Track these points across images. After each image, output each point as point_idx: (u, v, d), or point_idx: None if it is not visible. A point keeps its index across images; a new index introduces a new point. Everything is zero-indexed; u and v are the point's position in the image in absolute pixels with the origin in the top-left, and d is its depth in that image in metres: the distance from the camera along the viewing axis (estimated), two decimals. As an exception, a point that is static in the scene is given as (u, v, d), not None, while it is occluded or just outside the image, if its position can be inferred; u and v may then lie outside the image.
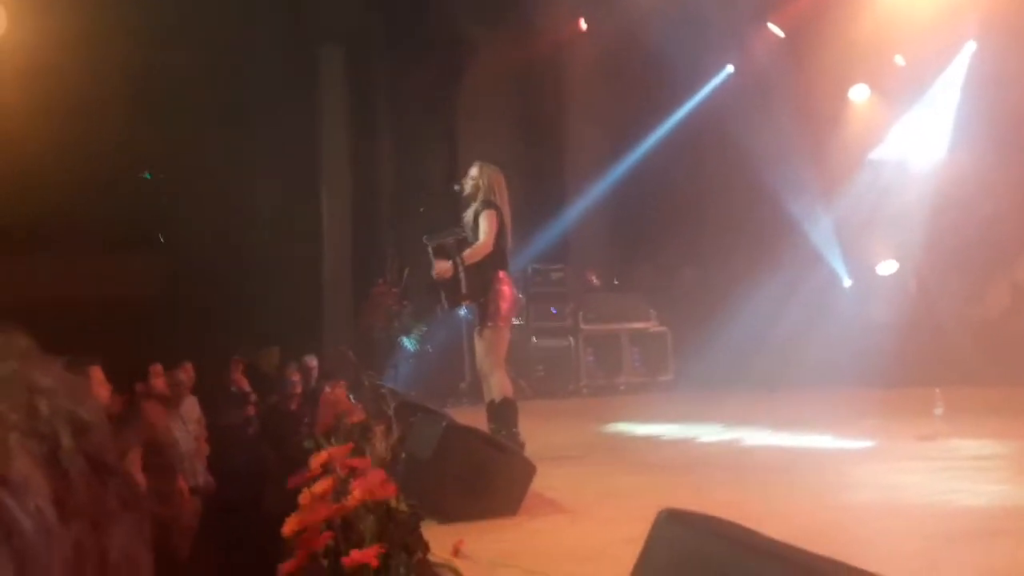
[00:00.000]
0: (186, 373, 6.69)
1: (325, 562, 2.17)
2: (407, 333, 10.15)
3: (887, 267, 10.21)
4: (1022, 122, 8.59)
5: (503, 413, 5.19)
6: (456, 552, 2.80)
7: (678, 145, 11.08)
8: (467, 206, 5.52)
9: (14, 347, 0.36)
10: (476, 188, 5.47)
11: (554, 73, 11.64)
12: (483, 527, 3.55)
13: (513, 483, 3.89)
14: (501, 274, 5.31)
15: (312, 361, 8.96)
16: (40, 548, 0.31)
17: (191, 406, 6.27)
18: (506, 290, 5.31)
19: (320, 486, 2.40)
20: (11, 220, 9.53)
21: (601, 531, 3.45)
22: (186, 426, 5.85)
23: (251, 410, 7.89)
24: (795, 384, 8.43)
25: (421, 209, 10.19)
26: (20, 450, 0.32)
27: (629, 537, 2.06)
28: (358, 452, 3.53)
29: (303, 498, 2.37)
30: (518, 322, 8.92)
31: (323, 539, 2.16)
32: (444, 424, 4.00)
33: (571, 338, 10.52)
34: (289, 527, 2.27)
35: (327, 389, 6.04)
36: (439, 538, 2.93)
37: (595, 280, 11.07)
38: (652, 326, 10.67)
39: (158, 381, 5.96)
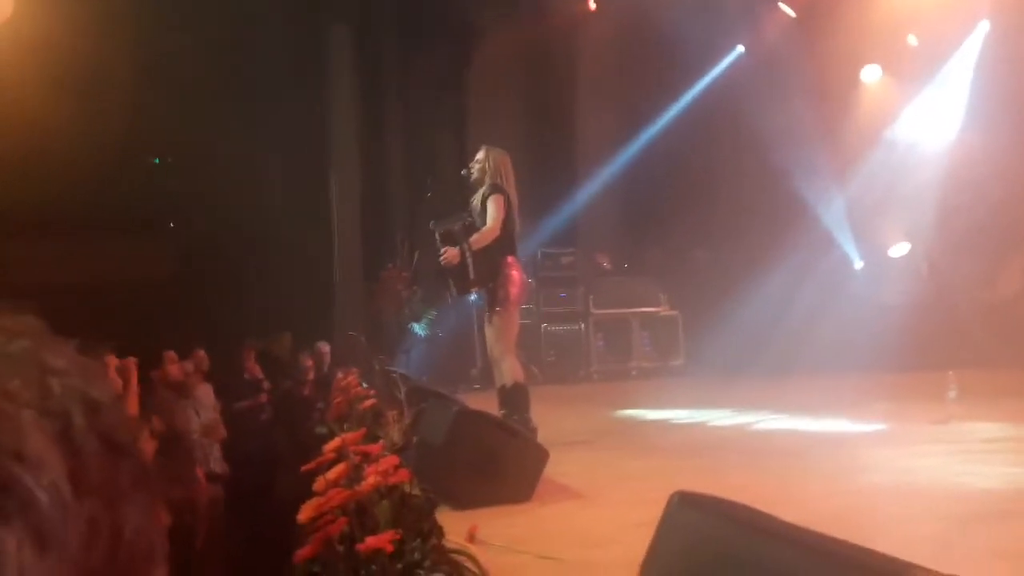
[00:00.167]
0: (199, 360, 6.72)
1: (340, 548, 2.19)
2: (417, 318, 10.17)
3: (899, 249, 10.15)
4: (1036, 103, 8.49)
5: (514, 398, 5.19)
6: (471, 538, 2.81)
7: (689, 127, 11.01)
8: (475, 191, 5.50)
9: (26, 327, 0.36)
10: (483, 172, 5.45)
11: (564, 54, 11.56)
12: (496, 512, 3.56)
13: (525, 468, 3.90)
14: (510, 259, 5.30)
15: (324, 347, 8.99)
16: (56, 522, 0.32)
17: (205, 393, 6.31)
18: (515, 275, 5.30)
19: (334, 472, 2.41)
20: (21, 203, 9.57)
21: (614, 516, 3.46)
22: (200, 413, 5.89)
23: (264, 397, 7.93)
24: (807, 367, 8.40)
25: (428, 194, 10.17)
26: (34, 427, 0.32)
27: (641, 521, 2.06)
28: (371, 438, 3.54)
29: (317, 484, 2.39)
30: (528, 307, 8.92)
31: (338, 525, 2.17)
32: (456, 409, 4.01)
33: (581, 323, 10.51)
34: (304, 513, 2.28)
35: (339, 375, 6.07)
36: (452, 523, 2.95)
37: (606, 263, 11.03)
38: (663, 310, 10.64)
39: (172, 368, 6.00)
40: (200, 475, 4.63)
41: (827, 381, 7.75)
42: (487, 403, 5.02)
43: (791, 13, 10.86)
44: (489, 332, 5.38)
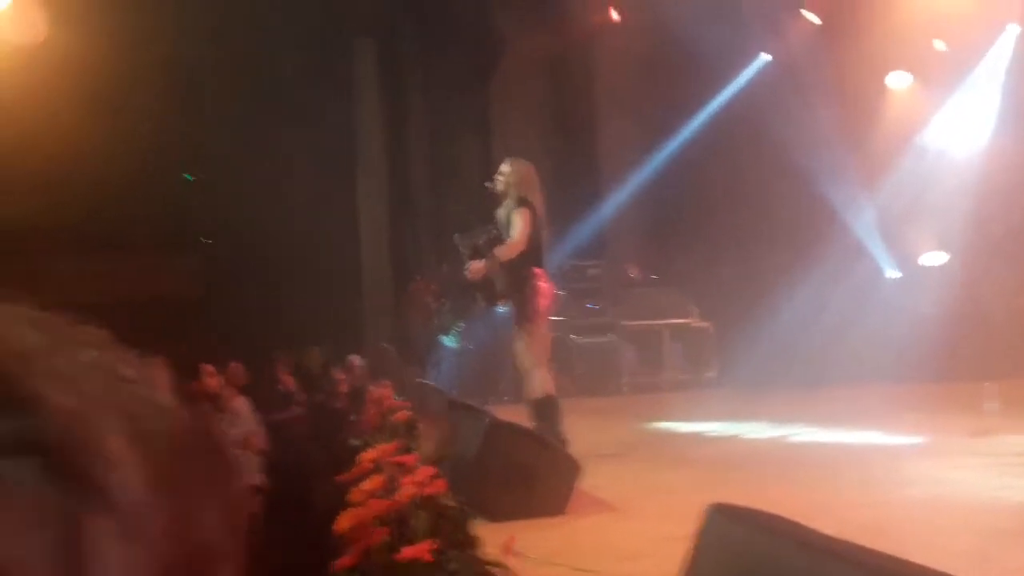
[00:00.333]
0: (234, 373, 6.81)
1: (379, 558, 2.22)
2: (446, 331, 10.21)
3: (932, 258, 10.01)
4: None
5: (546, 410, 5.20)
6: (507, 549, 2.83)
7: (715, 135, 10.96)
8: (500, 203, 5.53)
9: (95, 338, 0.39)
10: (508, 185, 5.48)
11: (587, 64, 11.59)
12: (530, 525, 3.57)
13: (558, 481, 3.91)
14: (536, 271, 5.32)
15: (356, 360, 9.06)
16: (139, 517, 0.34)
17: (242, 405, 6.39)
18: (542, 286, 5.32)
19: (371, 482, 2.44)
20: (56, 222, 9.78)
21: (648, 529, 3.45)
22: (237, 425, 5.97)
23: (298, 409, 8.02)
24: (841, 378, 8.31)
25: (456, 207, 10.25)
26: (113, 430, 0.35)
27: (676, 534, 2.07)
28: (405, 450, 3.58)
29: (355, 494, 2.42)
30: (557, 318, 8.92)
31: (378, 535, 2.21)
32: (488, 421, 4.03)
33: (611, 335, 10.48)
34: (343, 523, 2.32)
35: (372, 388, 6.12)
36: (486, 535, 2.97)
37: (634, 273, 10.98)
38: (694, 321, 10.57)
39: (211, 380, 6.09)
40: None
41: (861, 392, 7.66)
42: (517, 415, 5.03)
43: (816, 20, 10.81)
44: (518, 344, 5.40)
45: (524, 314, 5.28)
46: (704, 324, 10.54)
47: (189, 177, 12.50)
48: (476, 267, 5.23)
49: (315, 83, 11.33)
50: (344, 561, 2.24)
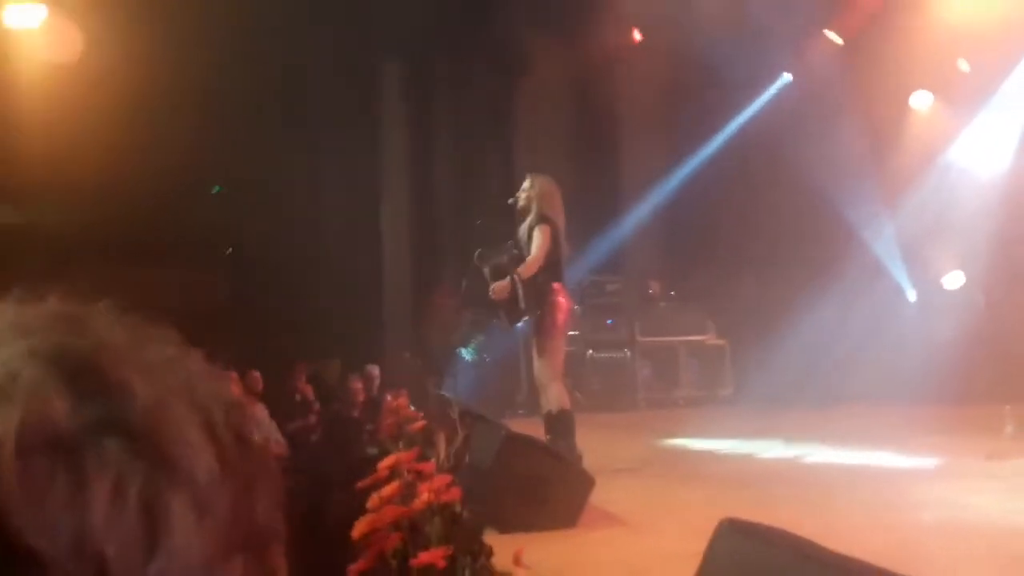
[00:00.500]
0: (253, 381, 6.88)
1: (394, 563, 2.25)
2: (465, 343, 10.26)
3: (952, 279, 9.95)
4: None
5: (560, 424, 5.23)
6: (517, 561, 2.85)
7: (735, 154, 10.98)
8: (522, 219, 5.59)
9: (168, 337, 0.45)
10: (530, 201, 5.53)
11: (610, 84, 11.66)
12: (542, 537, 3.59)
13: (571, 494, 3.93)
14: (556, 286, 5.37)
15: (374, 370, 9.12)
16: (210, 496, 0.39)
17: (260, 413, 6.46)
18: (561, 301, 5.37)
19: (388, 489, 2.49)
20: (82, 232, 9.95)
21: (659, 545, 3.46)
22: (257, 432, 6.02)
23: (313, 418, 8.08)
24: (857, 398, 8.26)
25: (478, 222, 10.29)
26: (188, 419, 0.40)
27: (687, 551, 2.09)
28: (421, 458, 3.61)
29: (372, 501, 2.46)
30: (574, 333, 8.94)
31: (392, 540, 2.24)
32: (504, 433, 4.06)
33: (627, 350, 10.49)
34: (359, 529, 2.35)
35: (389, 397, 6.16)
36: (498, 547, 2.99)
37: (655, 289, 10.98)
38: (710, 339, 10.56)
39: (233, 388, 6.14)
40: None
41: (877, 413, 7.62)
42: (532, 429, 5.06)
43: (838, 40, 10.82)
44: (536, 358, 5.44)
45: (542, 328, 5.32)
46: (720, 342, 10.52)
47: (217, 189, 12.67)
48: (500, 287, 5.28)
49: (342, 101, 11.48)
50: (358, 566, 2.28)
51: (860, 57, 9.95)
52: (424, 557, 2.16)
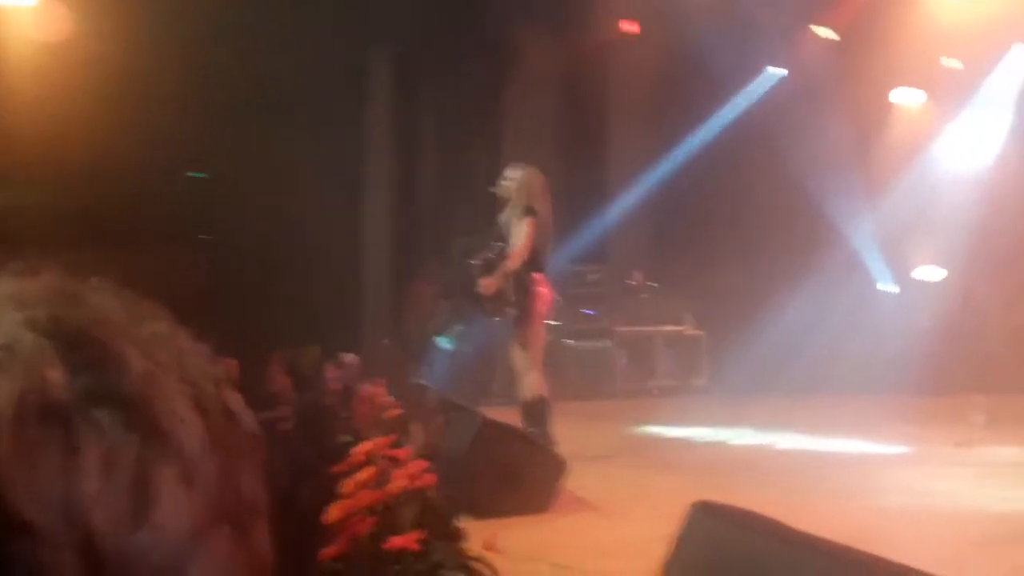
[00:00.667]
0: (230, 368, 6.84)
1: (367, 547, 2.26)
2: (444, 332, 10.26)
3: (929, 273, 10.08)
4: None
5: (536, 412, 5.25)
6: (489, 545, 2.87)
7: (722, 147, 11.01)
8: (504, 207, 5.59)
9: (158, 313, 0.45)
10: (514, 191, 5.53)
11: (599, 75, 11.65)
12: (515, 522, 3.62)
13: (545, 480, 3.96)
14: (537, 276, 5.39)
15: (350, 358, 9.08)
16: (198, 467, 0.39)
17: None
18: (542, 291, 5.39)
19: (362, 474, 2.49)
20: (62, 214, 9.83)
21: (631, 529, 3.50)
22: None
23: (287, 408, 8.03)
24: (832, 389, 8.37)
25: (462, 214, 10.30)
26: (179, 392, 0.40)
27: (659, 535, 2.12)
28: (397, 445, 3.61)
29: (346, 486, 2.46)
30: (552, 323, 8.97)
31: (366, 524, 2.25)
32: (480, 420, 4.08)
33: (605, 340, 10.54)
34: (333, 514, 2.36)
35: (365, 385, 6.15)
36: (472, 532, 3.01)
37: (639, 279, 11.03)
38: (687, 329, 10.64)
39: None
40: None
41: (851, 402, 7.72)
42: (509, 417, 5.08)
43: (828, 35, 10.87)
44: (514, 347, 5.45)
45: (522, 318, 5.34)
46: (698, 332, 10.60)
47: (197, 175, 12.54)
48: (490, 282, 5.28)
49: (326, 86, 11.38)
50: (331, 550, 2.28)
51: (848, 52, 10.02)
52: (397, 541, 2.17)
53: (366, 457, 2.76)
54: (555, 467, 4.01)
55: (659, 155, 11.56)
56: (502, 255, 5.37)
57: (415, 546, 2.14)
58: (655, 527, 2.76)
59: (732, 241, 10.82)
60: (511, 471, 3.85)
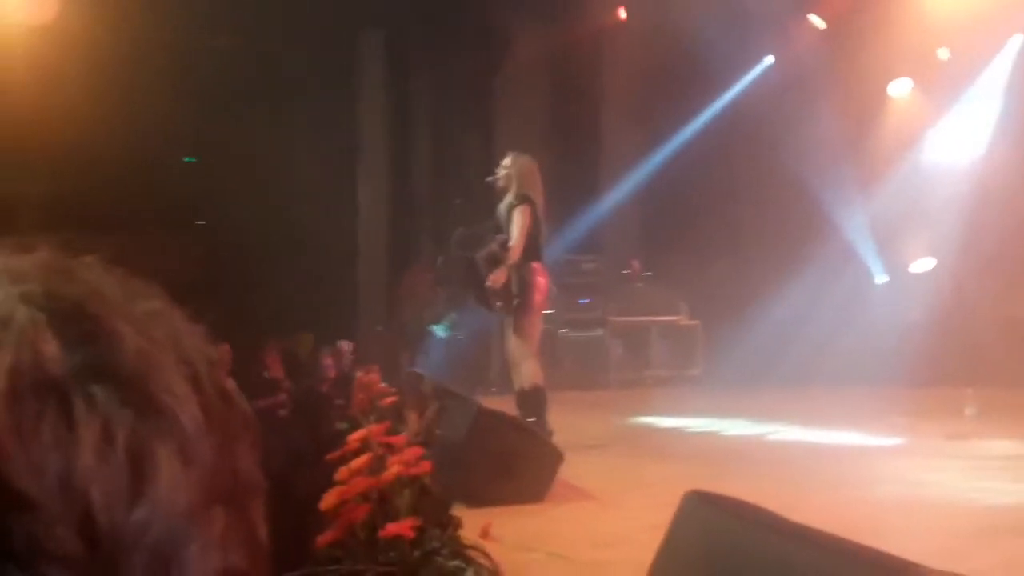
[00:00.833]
0: (223, 354, 6.83)
1: (362, 534, 2.26)
2: (439, 320, 10.26)
3: (922, 264, 10.10)
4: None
5: (533, 401, 5.26)
6: (484, 534, 2.88)
7: (715, 136, 11.01)
8: (501, 197, 5.58)
9: (153, 292, 0.45)
10: (509, 180, 5.53)
11: (592, 62, 11.62)
12: (510, 511, 3.63)
13: (541, 469, 3.97)
14: (535, 265, 5.39)
15: (345, 345, 9.09)
16: (196, 444, 0.39)
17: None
18: (540, 280, 5.39)
19: (357, 461, 2.49)
20: (52, 199, 9.78)
21: (626, 519, 3.51)
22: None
23: (283, 395, 8.04)
24: (825, 380, 8.40)
25: (457, 202, 10.26)
26: (175, 370, 0.40)
27: (654, 525, 2.12)
28: (392, 432, 3.62)
29: (341, 473, 2.47)
30: (547, 312, 8.97)
31: (361, 511, 2.25)
32: (476, 409, 4.08)
33: (600, 330, 10.55)
34: (327, 500, 2.36)
35: (361, 373, 6.16)
36: (467, 520, 3.01)
37: (636, 268, 11.02)
38: (682, 319, 10.65)
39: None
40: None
41: (844, 394, 7.75)
42: (504, 406, 5.08)
43: (821, 25, 10.84)
44: (511, 335, 5.45)
45: (520, 307, 5.34)
46: (692, 322, 10.61)
47: (189, 159, 12.47)
48: (498, 275, 5.27)
49: (319, 71, 11.33)
50: (326, 537, 2.29)
51: (842, 42, 9.99)
52: (392, 528, 2.17)
53: (361, 444, 2.76)
54: (551, 457, 4.02)
55: (652, 144, 11.55)
56: (505, 247, 5.36)
57: (410, 533, 2.15)
58: (649, 516, 2.77)
59: (724, 230, 10.83)
60: (507, 460, 3.85)
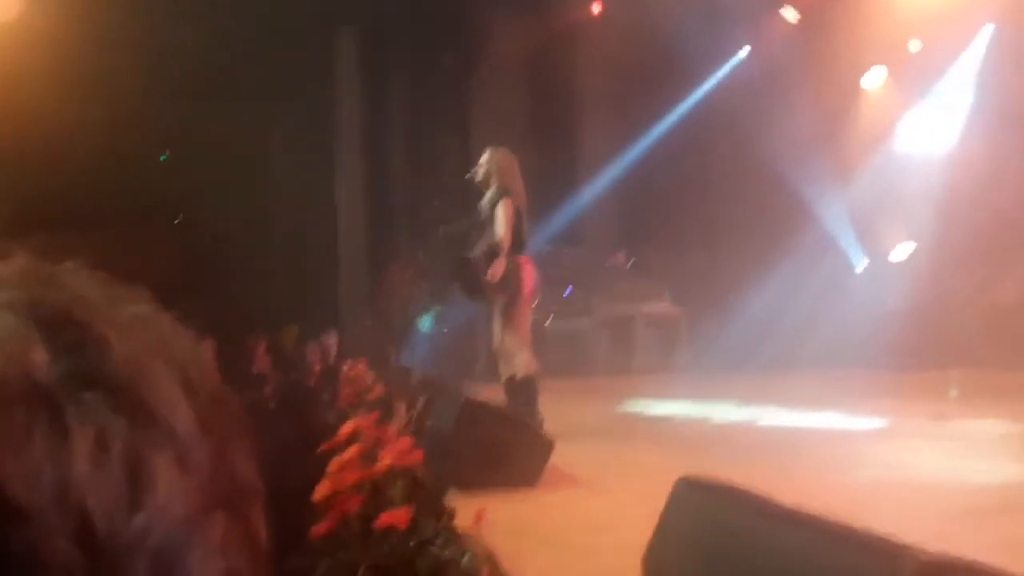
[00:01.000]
0: (208, 351, 6.79)
1: (356, 525, 2.26)
2: (423, 314, 10.25)
3: (900, 251, 10.20)
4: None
5: (525, 389, 5.27)
6: (478, 520, 2.88)
7: (692, 128, 11.07)
8: (482, 193, 5.58)
9: (140, 296, 0.44)
10: (488, 175, 5.53)
11: (568, 58, 11.62)
12: (502, 498, 3.63)
13: (531, 457, 3.98)
14: (521, 257, 5.39)
15: (330, 339, 9.06)
16: (191, 452, 0.38)
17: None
18: (528, 271, 5.40)
19: (349, 453, 2.48)
20: (31, 201, 9.64)
21: (617, 504, 3.53)
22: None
23: (269, 389, 8.01)
24: (809, 365, 8.47)
25: (435, 203, 10.26)
26: (167, 376, 0.39)
27: (645, 510, 2.14)
28: (381, 425, 3.61)
29: (332, 465, 2.46)
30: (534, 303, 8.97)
31: (355, 502, 2.25)
32: (463, 399, 4.09)
33: (585, 320, 10.58)
34: (320, 492, 2.35)
35: (347, 366, 6.14)
36: (460, 506, 3.02)
37: (621, 259, 11.07)
38: (667, 308, 10.70)
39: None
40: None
41: (828, 378, 7.83)
42: (491, 397, 5.09)
43: (794, 17, 10.90)
44: (499, 327, 5.46)
45: (510, 298, 5.34)
46: (676, 311, 10.67)
47: (164, 157, 12.36)
48: (497, 267, 5.26)
49: (295, 67, 11.25)
50: (320, 528, 2.28)
51: (815, 34, 10.05)
52: (386, 519, 2.17)
53: (352, 435, 2.75)
54: (541, 445, 4.03)
55: (629, 136, 11.59)
56: (497, 241, 5.36)
57: (404, 524, 2.15)
58: (640, 502, 2.78)
59: (704, 220, 10.91)
60: (496, 449, 3.86)
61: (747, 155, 10.22)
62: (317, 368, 8.40)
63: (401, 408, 4.23)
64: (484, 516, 2.81)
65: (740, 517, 1.98)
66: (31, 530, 0.34)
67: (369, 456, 2.51)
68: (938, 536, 2.94)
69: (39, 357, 0.37)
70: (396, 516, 2.17)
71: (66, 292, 0.40)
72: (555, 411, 5.50)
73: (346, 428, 2.72)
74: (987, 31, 9.75)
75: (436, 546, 2.20)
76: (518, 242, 5.41)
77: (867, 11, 9.59)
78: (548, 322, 10.31)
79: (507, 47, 11.20)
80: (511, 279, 5.30)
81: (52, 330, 0.38)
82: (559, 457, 4.13)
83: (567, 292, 10.61)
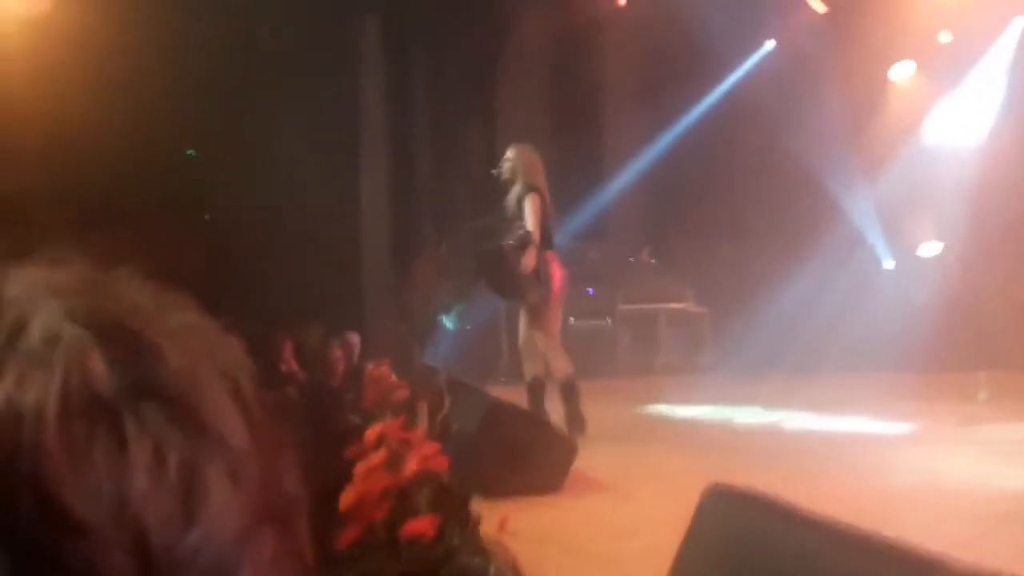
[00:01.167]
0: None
1: (382, 533, 2.25)
2: (447, 311, 10.25)
3: (929, 248, 10.06)
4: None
5: (568, 393, 5.25)
6: (502, 527, 2.87)
7: (718, 122, 10.97)
8: (507, 189, 5.56)
9: (186, 304, 0.43)
10: (514, 171, 5.51)
11: (593, 48, 11.57)
12: (526, 503, 3.63)
13: (554, 460, 3.96)
14: (549, 254, 5.37)
15: (354, 338, 9.07)
16: (243, 463, 0.38)
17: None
18: (556, 269, 5.37)
19: (375, 458, 2.48)
20: (56, 197, 9.76)
21: (641, 509, 3.51)
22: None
23: (294, 388, 8.04)
24: (835, 366, 8.37)
25: (458, 187, 10.24)
26: (218, 387, 0.39)
27: (669, 515, 2.11)
28: (407, 427, 3.61)
29: (358, 470, 2.45)
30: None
31: (381, 510, 2.24)
32: (489, 401, 4.07)
33: (608, 318, 10.52)
34: (346, 499, 2.35)
35: (371, 366, 6.15)
36: (483, 513, 3.01)
37: (645, 256, 11.00)
38: (690, 307, 10.62)
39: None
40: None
41: (855, 380, 7.73)
42: (513, 397, 5.08)
43: (822, 8, 10.77)
44: (526, 326, 5.43)
45: (540, 297, 5.31)
46: (701, 310, 10.58)
47: (191, 153, 12.45)
48: (530, 257, 5.24)
49: (319, 59, 11.27)
50: (347, 536, 2.28)
51: (843, 26, 9.93)
52: (413, 527, 2.16)
53: (378, 439, 2.75)
54: (564, 449, 4.02)
55: (655, 129, 11.51)
56: (528, 231, 5.33)
57: (432, 532, 2.14)
58: (666, 507, 2.75)
59: (729, 217, 10.82)
60: (520, 451, 3.85)
61: (774, 149, 10.11)
62: (340, 368, 8.42)
63: (424, 409, 4.23)
64: (508, 523, 2.80)
65: (774, 527, 1.95)
66: (89, 544, 0.34)
67: (395, 461, 2.51)
68: (969, 543, 2.90)
69: (98, 367, 0.36)
70: (423, 524, 2.16)
71: (121, 301, 0.40)
72: (578, 412, 5.48)
73: (372, 432, 2.72)
74: (1018, 23, 9.60)
75: (463, 554, 2.19)
76: (546, 238, 5.39)
77: (896, 1, 9.46)
78: (571, 321, 10.28)
79: (531, 36, 11.16)
80: (542, 274, 5.27)
81: (109, 340, 0.37)
82: (582, 460, 4.11)
83: (590, 292, 10.56)
